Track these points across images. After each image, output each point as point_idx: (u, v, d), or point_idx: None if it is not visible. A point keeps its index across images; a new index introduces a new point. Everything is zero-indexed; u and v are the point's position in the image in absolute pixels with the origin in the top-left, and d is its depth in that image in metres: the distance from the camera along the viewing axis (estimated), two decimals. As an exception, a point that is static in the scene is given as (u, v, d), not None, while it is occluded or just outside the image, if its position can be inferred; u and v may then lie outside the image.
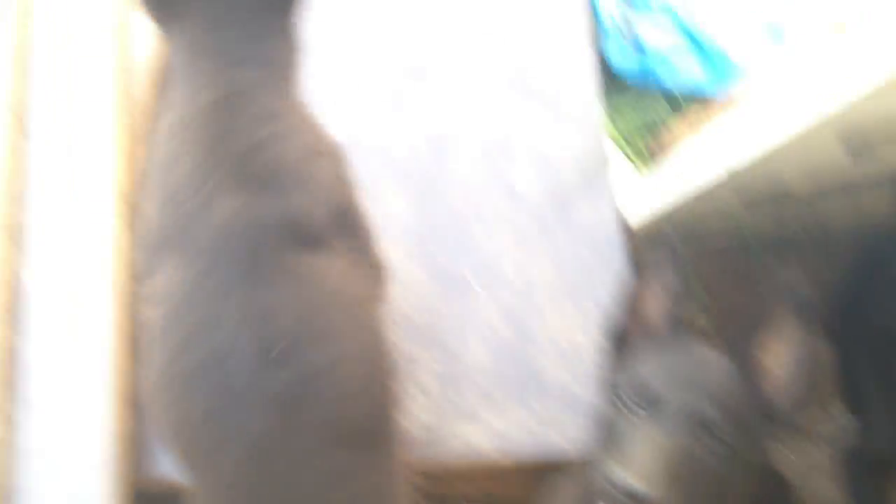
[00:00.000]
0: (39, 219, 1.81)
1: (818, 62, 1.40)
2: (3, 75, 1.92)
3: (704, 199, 1.80)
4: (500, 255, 1.80)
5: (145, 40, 1.92)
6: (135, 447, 1.62)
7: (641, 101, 2.32)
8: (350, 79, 1.96)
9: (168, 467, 1.59)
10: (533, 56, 2.01)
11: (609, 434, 1.17)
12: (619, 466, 1.06)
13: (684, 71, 2.33)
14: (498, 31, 2.04)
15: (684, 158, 1.91)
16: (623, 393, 1.16)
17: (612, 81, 2.31)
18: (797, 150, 1.54)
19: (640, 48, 2.37)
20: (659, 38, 2.36)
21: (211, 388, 1.02)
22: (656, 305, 1.24)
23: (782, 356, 1.15)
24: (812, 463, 1.74)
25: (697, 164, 1.82)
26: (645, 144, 2.20)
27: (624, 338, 1.25)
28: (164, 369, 1.07)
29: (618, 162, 2.13)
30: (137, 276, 1.23)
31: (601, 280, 1.78)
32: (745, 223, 2.05)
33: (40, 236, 1.78)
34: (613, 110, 2.25)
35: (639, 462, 1.06)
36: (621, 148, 2.14)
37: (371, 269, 1.28)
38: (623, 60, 2.36)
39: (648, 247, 1.71)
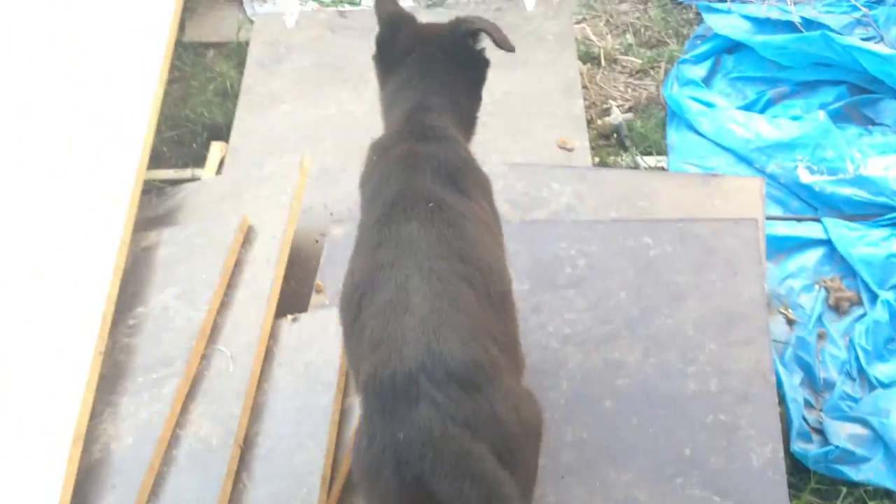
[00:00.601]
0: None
1: None
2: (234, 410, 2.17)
3: None
4: None
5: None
6: None
7: (826, 492, 2.32)
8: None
9: None
10: (725, 456, 2.11)
11: None
12: None
13: (870, 466, 2.33)
14: (687, 425, 2.14)
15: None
16: None
17: (796, 467, 2.34)
18: None
19: (824, 437, 2.41)
20: (844, 429, 2.40)
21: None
22: None
23: None
24: None
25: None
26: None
27: None
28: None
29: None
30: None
31: None
32: None
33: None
34: (798, 501, 2.26)
35: None
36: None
37: None
38: (807, 448, 2.38)
39: None
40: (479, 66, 1.96)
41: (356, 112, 3.28)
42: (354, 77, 3.42)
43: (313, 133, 3.25)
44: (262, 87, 3.43)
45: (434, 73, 1.88)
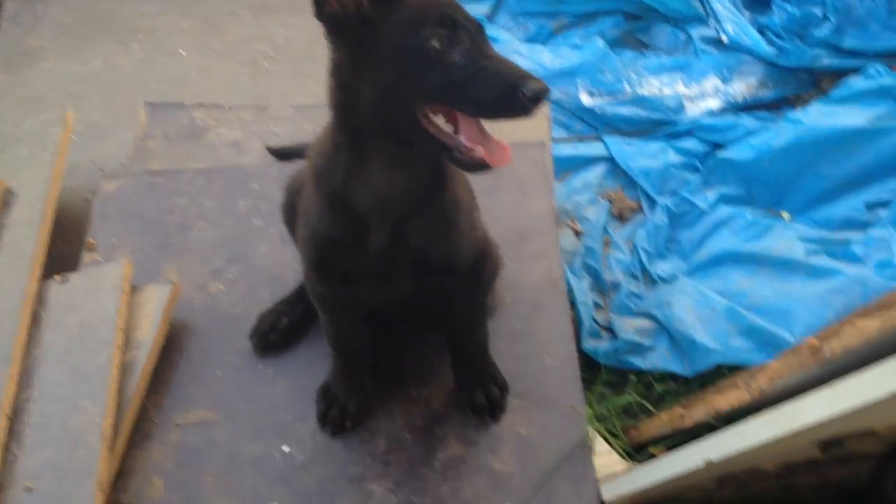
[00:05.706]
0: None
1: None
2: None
3: (679, 479, 1.84)
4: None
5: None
6: None
7: (616, 383, 2.42)
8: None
9: None
10: (522, 361, 2.13)
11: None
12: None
13: (655, 354, 2.45)
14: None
15: (661, 449, 1.94)
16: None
17: (588, 364, 2.43)
18: (774, 448, 1.62)
19: (613, 334, 2.50)
20: (631, 324, 2.50)
21: None
22: None
23: None
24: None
25: (675, 455, 1.88)
26: (621, 425, 2.27)
27: None
28: None
29: (596, 443, 2.16)
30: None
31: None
32: (715, 495, 2.05)
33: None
34: (591, 393, 2.34)
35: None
36: (598, 429, 2.18)
37: None
38: (597, 344, 2.48)
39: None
40: None
41: (125, 66, 3.10)
42: (121, 31, 3.22)
43: (78, 90, 3.04)
44: (18, 46, 3.18)
45: None
